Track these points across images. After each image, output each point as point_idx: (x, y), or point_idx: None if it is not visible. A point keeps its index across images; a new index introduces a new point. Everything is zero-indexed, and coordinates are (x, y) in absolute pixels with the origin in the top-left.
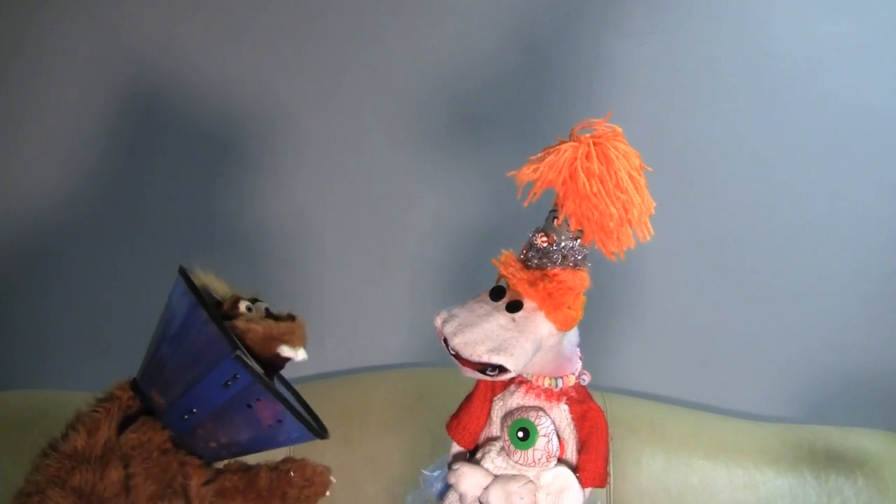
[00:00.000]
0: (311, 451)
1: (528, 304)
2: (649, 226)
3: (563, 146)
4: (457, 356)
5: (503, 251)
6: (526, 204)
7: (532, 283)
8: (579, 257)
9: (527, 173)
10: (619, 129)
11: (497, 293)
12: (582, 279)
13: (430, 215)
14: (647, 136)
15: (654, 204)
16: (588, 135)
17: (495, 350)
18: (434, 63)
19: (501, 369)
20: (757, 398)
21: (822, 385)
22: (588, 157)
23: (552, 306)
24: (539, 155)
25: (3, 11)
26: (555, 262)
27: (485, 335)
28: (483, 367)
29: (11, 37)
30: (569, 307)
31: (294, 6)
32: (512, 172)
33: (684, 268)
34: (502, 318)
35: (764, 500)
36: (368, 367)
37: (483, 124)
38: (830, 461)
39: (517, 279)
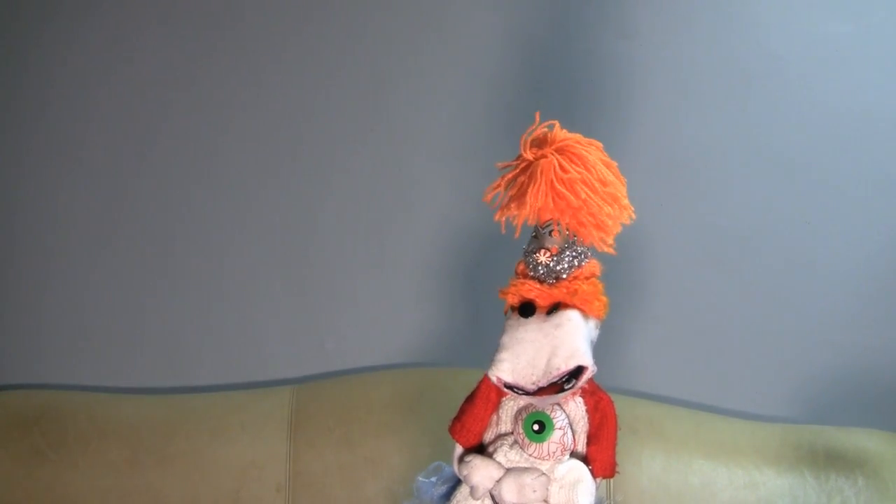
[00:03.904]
0: (311, 451)
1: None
2: (630, 207)
3: (535, 167)
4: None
5: (510, 280)
6: (517, 235)
7: (572, 294)
8: (586, 249)
9: (514, 210)
10: (557, 122)
11: (527, 310)
12: (595, 265)
13: (430, 215)
14: (647, 136)
15: (625, 180)
16: (539, 147)
17: (570, 356)
18: (434, 63)
19: (577, 376)
20: (757, 398)
21: (822, 385)
22: (562, 167)
23: (592, 302)
24: (513, 189)
25: (2, 12)
26: (571, 268)
27: (554, 351)
28: (561, 386)
29: (11, 36)
30: (601, 296)
31: (294, 4)
32: (499, 216)
33: (684, 268)
34: (551, 324)
35: (764, 500)
36: (368, 367)
37: (483, 124)
38: (830, 461)
39: (552, 297)
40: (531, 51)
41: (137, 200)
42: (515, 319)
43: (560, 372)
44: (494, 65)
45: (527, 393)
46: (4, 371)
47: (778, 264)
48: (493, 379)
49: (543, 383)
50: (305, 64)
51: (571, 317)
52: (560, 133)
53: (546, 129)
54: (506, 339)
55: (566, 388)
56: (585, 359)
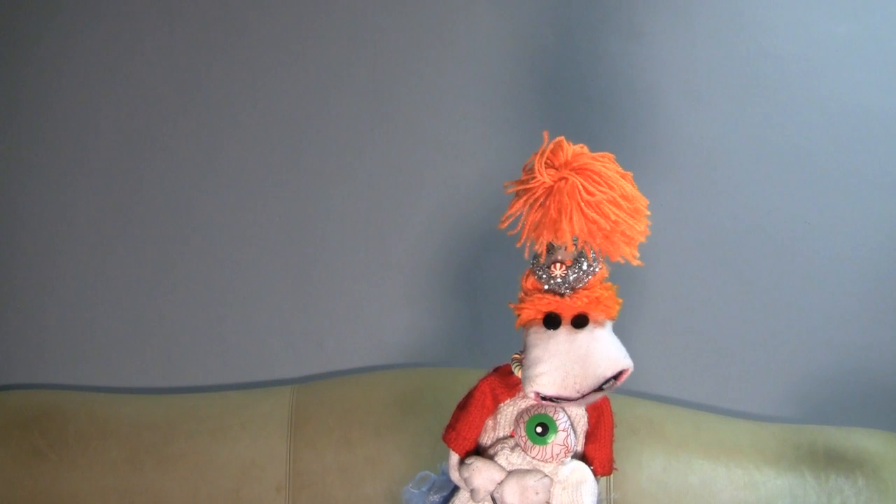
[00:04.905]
0: (311, 451)
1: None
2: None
3: (558, 191)
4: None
5: (523, 296)
6: (543, 260)
7: (595, 303)
8: (596, 256)
9: (548, 238)
10: (562, 138)
11: (553, 321)
12: (604, 271)
13: (429, 215)
14: (647, 136)
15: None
16: (553, 167)
17: (614, 363)
18: (433, 62)
19: (617, 377)
20: (757, 398)
21: (822, 385)
22: (587, 190)
23: (614, 307)
24: (537, 213)
25: (5, 12)
26: (587, 276)
27: (596, 362)
28: (599, 387)
29: (14, 36)
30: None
31: (294, 4)
32: (524, 241)
33: (684, 268)
34: (584, 337)
35: (764, 500)
36: (368, 367)
37: (482, 124)
38: (830, 461)
39: (574, 308)
40: (534, 51)
41: (138, 201)
42: (543, 332)
43: (605, 378)
44: (497, 66)
45: (569, 401)
46: (4, 371)
47: (778, 264)
48: (531, 394)
49: (587, 390)
50: (307, 67)
51: (603, 326)
52: (569, 150)
53: (553, 146)
54: (538, 352)
55: (604, 387)
56: (627, 362)
